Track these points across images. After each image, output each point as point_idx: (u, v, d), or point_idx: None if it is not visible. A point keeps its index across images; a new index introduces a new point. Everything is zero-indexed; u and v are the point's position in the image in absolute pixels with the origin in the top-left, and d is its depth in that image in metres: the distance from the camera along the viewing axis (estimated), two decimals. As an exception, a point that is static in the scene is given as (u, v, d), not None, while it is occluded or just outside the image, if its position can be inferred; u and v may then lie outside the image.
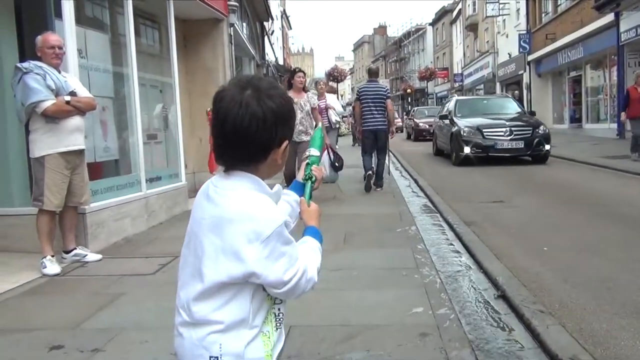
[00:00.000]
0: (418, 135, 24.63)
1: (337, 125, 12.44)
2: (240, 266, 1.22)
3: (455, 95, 26.02)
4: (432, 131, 17.96)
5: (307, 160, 1.60)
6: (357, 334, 3.06)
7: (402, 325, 3.19)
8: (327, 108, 10.89)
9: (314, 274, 1.34)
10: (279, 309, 1.35)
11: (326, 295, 3.71)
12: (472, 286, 4.02)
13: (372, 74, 9.68)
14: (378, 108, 8.67)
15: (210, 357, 1.25)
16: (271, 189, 1.36)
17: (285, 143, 1.32)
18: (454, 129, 13.34)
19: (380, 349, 2.85)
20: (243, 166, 1.30)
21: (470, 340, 2.97)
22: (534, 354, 2.86)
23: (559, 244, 5.06)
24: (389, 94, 8.98)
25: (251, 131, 1.24)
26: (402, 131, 31.31)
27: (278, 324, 1.33)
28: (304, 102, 7.48)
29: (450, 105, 15.44)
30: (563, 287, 3.85)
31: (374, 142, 8.82)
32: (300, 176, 1.59)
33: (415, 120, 26.44)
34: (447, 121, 14.33)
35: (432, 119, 21.72)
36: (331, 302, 3.58)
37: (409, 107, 44.46)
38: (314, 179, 1.57)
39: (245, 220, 1.22)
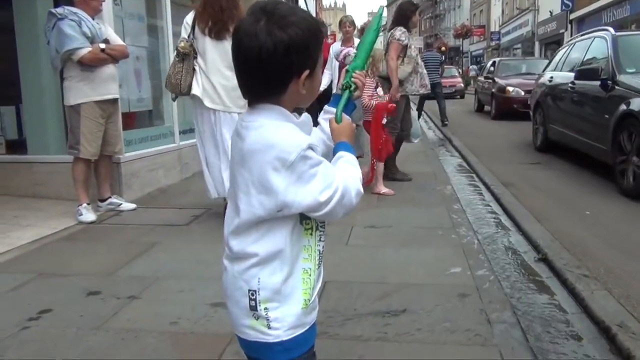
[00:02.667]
0: (504, 107, 13.96)
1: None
2: (272, 197, 1.18)
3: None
4: (535, 102, 9.05)
5: (348, 67, 1.41)
6: (394, 291, 3.00)
7: (440, 284, 3.11)
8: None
9: (358, 185, 1.25)
10: (323, 247, 1.29)
11: (362, 252, 3.66)
12: (511, 248, 3.91)
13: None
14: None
15: (249, 290, 1.24)
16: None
17: (306, 72, 1.23)
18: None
19: (418, 308, 2.78)
20: (265, 99, 1.24)
21: (512, 302, 2.88)
22: (578, 319, 2.75)
23: (603, 209, 4.88)
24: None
25: (262, 62, 1.19)
26: (462, 96, 24.70)
27: (319, 262, 1.28)
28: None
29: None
30: (609, 252, 3.70)
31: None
32: (338, 86, 1.44)
33: (498, 80, 14.91)
34: None
35: (529, 81, 12.16)
36: (367, 259, 3.52)
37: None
38: (352, 87, 1.38)
39: (267, 149, 1.18)
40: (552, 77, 8.56)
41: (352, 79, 1.38)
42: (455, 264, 3.43)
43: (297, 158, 1.16)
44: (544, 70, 9.56)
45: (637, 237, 4.02)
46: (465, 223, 4.45)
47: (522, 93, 13.02)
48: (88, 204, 4.56)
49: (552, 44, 30.22)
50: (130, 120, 5.67)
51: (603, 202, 5.19)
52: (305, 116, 1.31)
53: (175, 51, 4.31)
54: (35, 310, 2.81)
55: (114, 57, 4.60)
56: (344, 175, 1.24)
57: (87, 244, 3.98)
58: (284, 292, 1.24)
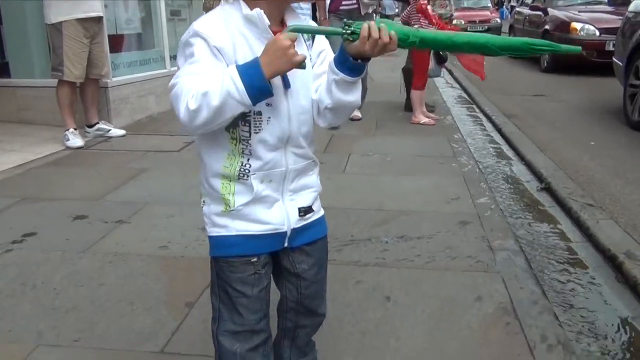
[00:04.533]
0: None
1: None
2: None
3: None
4: (631, 49, 5.43)
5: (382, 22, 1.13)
6: (392, 218, 2.89)
7: (440, 212, 3.00)
8: None
9: (192, 98, 1.09)
10: (248, 162, 1.22)
11: (359, 180, 3.53)
12: (513, 177, 3.79)
13: None
14: None
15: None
16: None
17: None
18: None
19: (417, 235, 2.68)
20: None
21: (514, 231, 2.78)
22: (582, 248, 2.67)
23: (610, 140, 4.73)
24: None
25: None
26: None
27: (244, 175, 1.23)
28: None
29: None
30: (614, 181, 3.59)
31: None
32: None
33: (555, 13, 10.14)
34: None
35: (608, 15, 9.12)
36: (364, 187, 3.39)
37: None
38: (353, 34, 1.12)
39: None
40: None
41: (364, 30, 1.11)
42: (455, 192, 3.31)
43: (184, 40, 1.17)
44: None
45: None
46: (466, 152, 4.31)
47: (597, 33, 8.68)
48: (75, 129, 4.38)
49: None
50: (118, 43, 5.38)
51: (610, 134, 5.03)
52: (257, 10, 1.14)
53: None
54: (19, 233, 2.69)
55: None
56: (197, 83, 1.10)
57: (74, 169, 3.83)
58: (208, 190, 1.28)
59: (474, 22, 16.77)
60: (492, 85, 8.05)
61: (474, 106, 6.65)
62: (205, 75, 1.11)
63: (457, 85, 8.41)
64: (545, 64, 9.68)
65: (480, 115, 6.10)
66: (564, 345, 1.80)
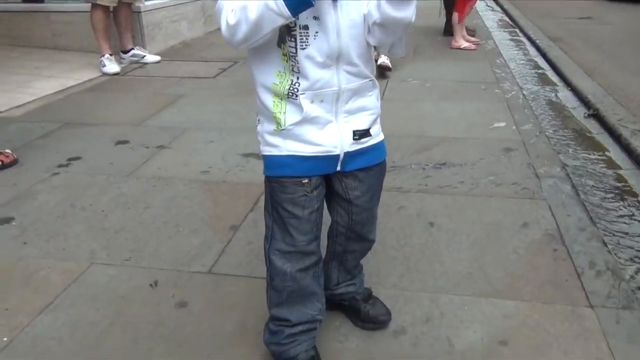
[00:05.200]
0: None
1: None
2: None
3: None
4: None
5: None
6: (434, 145, 2.83)
7: (484, 138, 2.93)
8: None
9: (232, 12, 1.07)
10: (297, 80, 1.18)
11: (399, 106, 3.44)
12: (559, 104, 3.65)
13: None
14: None
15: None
16: None
17: None
18: None
19: (460, 161, 2.63)
20: None
21: (560, 158, 2.70)
22: (632, 175, 2.58)
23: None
24: None
25: None
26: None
27: (293, 94, 1.19)
28: None
29: None
30: (667, 107, 3.43)
31: None
32: None
33: None
34: None
35: None
36: (404, 113, 3.31)
37: None
38: None
39: None
40: None
41: None
42: (499, 119, 3.21)
43: None
44: None
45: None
46: (510, 78, 4.15)
47: None
48: (111, 55, 4.35)
49: None
50: (149, -35, 5.24)
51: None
52: None
53: None
54: (64, 157, 2.74)
55: None
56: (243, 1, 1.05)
57: (112, 95, 3.83)
58: (261, 108, 1.25)
59: None
60: (535, 8, 7.65)
61: (517, 30, 6.36)
62: None
63: (499, 9, 8.03)
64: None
65: (524, 39, 5.84)
66: (612, 271, 1.78)
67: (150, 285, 1.76)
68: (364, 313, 1.55)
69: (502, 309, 1.62)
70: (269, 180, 1.29)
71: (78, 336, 1.54)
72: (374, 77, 1.28)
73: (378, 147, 1.34)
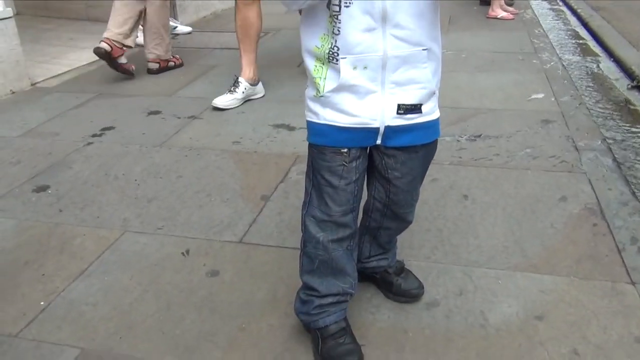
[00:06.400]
0: None
1: None
2: None
3: None
4: None
5: None
6: (469, 116, 2.76)
7: (521, 110, 2.84)
8: None
9: None
10: (336, 43, 1.12)
11: (432, 76, 3.36)
12: (601, 75, 3.51)
13: None
14: None
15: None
16: None
17: None
18: None
19: (496, 133, 2.56)
20: None
21: (601, 131, 2.60)
22: (678, 149, 2.48)
23: None
24: None
25: None
26: None
27: (331, 57, 1.14)
28: None
29: None
30: None
31: None
32: None
33: None
34: None
35: None
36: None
37: None
38: None
39: None
40: None
41: None
42: (537, 90, 3.11)
43: None
44: None
45: None
46: (549, 48, 4.00)
47: None
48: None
49: None
50: None
51: None
52: None
53: None
54: (98, 127, 2.77)
55: None
56: None
57: (145, 65, 3.84)
58: (307, 72, 1.22)
59: None
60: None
61: (557, -1, 6.12)
62: None
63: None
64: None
65: (564, 8, 5.62)
66: (656, 247, 1.71)
67: (182, 253, 1.77)
68: (396, 286, 1.53)
69: (539, 283, 1.58)
70: (310, 146, 1.26)
71: (112, 302, 1.57)
72: (430, 46, 1.16)
73: (429, 126, 1.24)
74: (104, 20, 5.00)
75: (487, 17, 4.98)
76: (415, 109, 1.19)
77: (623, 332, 1.39)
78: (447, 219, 1.90)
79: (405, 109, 1.19)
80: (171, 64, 3.69)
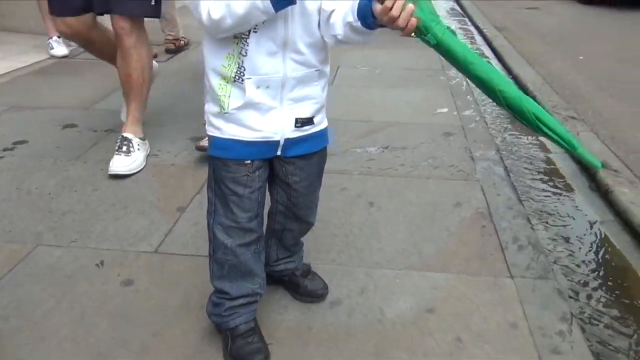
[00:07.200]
0: None
1: None
2: None
3: None
4: None
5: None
6: (379, 129, 2.95)
7: (426, 124, 3.06)
8: None
9: (215, 6, 1.12)
10: (243, 64, 1.22)
11: (347, 92, 3.55)
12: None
13: None
14: None
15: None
16: None
17: None
18: None
19: (403, 145, 2.75)
20: None
21: (496, 142, 2.86)
22: (560, 159, 2.77)
23: (598, 53, 4.72)
24: None
25: None
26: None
27: (238, 77, 1.24)
28: None
29: None
30: (598, 95, 3.64)
31: None
32: None
33: None
34: None
35: None
36: (353, 99, 3.42)
37: None
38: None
39: None
40: None
41: (388, 1, 1.09)
42: (442, 105, 3.36)
43: None
44: None
45: (629, 82, 3.93)
46: (455, 65, 4.30)
47: None
48: (59, 37, 4.28)
49: None
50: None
51: (600, 46, 5.00)
52: None
53: None
54: (9, 141, 2.73)
55: None
56: None
57: (61, 77, 3.79)
58: (208, 89, 1.29)
59: None
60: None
61: (466, 19, 6.55)
62: None
63: (450, -4, 8.21)
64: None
65: (472, 28, 6.03)
66: (533, 245, 1.93)
67: (97, 265, 1.81)
68: (303, 287, 1.65)
69: (432, 281, 1.74)
70: (212, 158, 1.35)
71: (24, 314, 1.58)
72: (321, 67, 1.31)
73: (320, 135, 1.39)
74: (17, 30, 4.89)
75: (401, 36, 5.24)
76: (310, 121, 1.34)
77: (500, 321, 1.57)
78: (353, 224, 2.05)
79: (302, 122, 1.32)
80: (182, 42, 4.51)
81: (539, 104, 3.43)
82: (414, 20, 1.10)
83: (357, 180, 2.38)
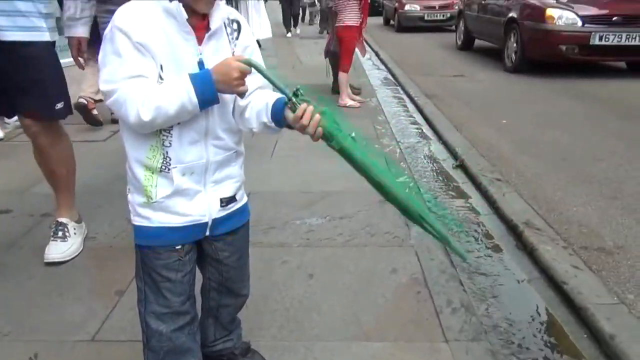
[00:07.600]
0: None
1: None
2: None
3: None
4: None
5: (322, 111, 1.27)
6: (318, 200, 3.04)
7: (362, 192, 3.13)
8: None
9: (142, 107, 1.17)
10: (168, 154, 1.28)
11: (287, 163, 3.65)
12: (431, 156, 4.03)
13: None
14: None
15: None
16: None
17: None
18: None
19: (341, 214, 2.85)
20: None
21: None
22: (489, 220, 2.92)
23: (519, 118, 5.07)
24: None
25: None
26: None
27: (166, 168, 1.29)
28: None
29: None
30: (520, 157, 3.89)
31: None
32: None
33: None
34: None
35: None
36: (291, 171, 3.52)
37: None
38: (296, 106, 1.25)
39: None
40: None
41: (299, 110, 1.24)
42: (377, 172, 3.49)
43: (107, 36, 1.20)
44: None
45: (546, 143, 4.23)
46: (389, 133, 4.52)
47: (580, 23, 6.96)
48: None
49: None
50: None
51: (521, 111, 5.37)
52: (180, 8, 1.20)
53: None
54: (-62, 231, 2.64)
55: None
56: (143, 90, 1.18)
57: None
58: (132, 180, 1.33)
59: (433, 8, 14.41)
60: (417, 66, 8.35)
61: (399, 88, 6.91)
62: (146, 82, 1.18)
63: (384, 67, 8.65)
64: (512, 63, 7.74)
65: (404, 96, 6.35)
66: (466, 308, 2.02)
67: (30, 358, 1.75)
68: (242, 367, 1.66)
69: (370, 350, 1.79)
70: (140, 247, 1.38)
71: (-50, 418, 1.51)
72: (238, 148, 1.41)
73: (243, 209, 1.47)
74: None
75: (338, 106, 5.50)
76: (233, 199, 1.42)
77: (437, 385, 1.62)
78: (293, 298, 2.09)
79: (226, 201, 1.40)
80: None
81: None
82: (320, 129, 1.25)
83: (297, 253, 2.44)
